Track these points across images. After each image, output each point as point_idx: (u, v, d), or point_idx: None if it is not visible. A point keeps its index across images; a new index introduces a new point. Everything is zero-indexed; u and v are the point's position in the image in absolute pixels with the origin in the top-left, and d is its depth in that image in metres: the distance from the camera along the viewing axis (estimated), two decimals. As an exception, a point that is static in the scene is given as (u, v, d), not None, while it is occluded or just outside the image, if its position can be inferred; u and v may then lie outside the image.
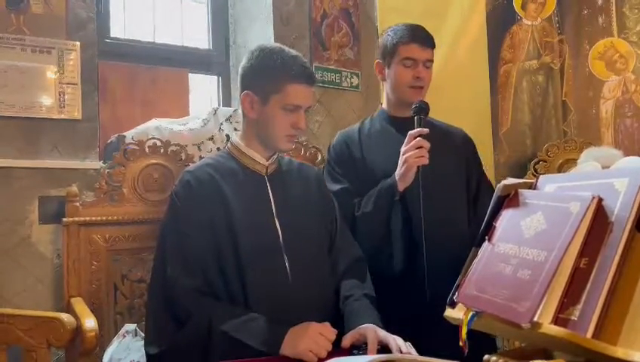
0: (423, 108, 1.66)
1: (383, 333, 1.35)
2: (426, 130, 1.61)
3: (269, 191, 1.53)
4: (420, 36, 1.76)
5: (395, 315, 1.49)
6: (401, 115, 1.79)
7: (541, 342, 0.86)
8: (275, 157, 1.59)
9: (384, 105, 1.89)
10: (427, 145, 1.60)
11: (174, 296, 1.38)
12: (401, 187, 1.63)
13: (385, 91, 1.87)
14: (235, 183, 1.50)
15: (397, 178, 1.64)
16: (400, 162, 1.63)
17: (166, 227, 1.48)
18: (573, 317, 0.77)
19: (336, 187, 1.77)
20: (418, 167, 1.59)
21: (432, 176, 1.61)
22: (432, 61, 1.78)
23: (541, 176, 1.03)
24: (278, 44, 1.57)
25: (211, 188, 1.47)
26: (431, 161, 1.61)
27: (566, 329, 0.76)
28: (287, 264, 1.46)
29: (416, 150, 1.59)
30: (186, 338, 1.34)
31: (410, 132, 1.63)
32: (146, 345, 1.41)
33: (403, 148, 1.63)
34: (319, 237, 1.58)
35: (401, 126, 1.72)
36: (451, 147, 1.83)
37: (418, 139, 1.60)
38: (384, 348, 1.33)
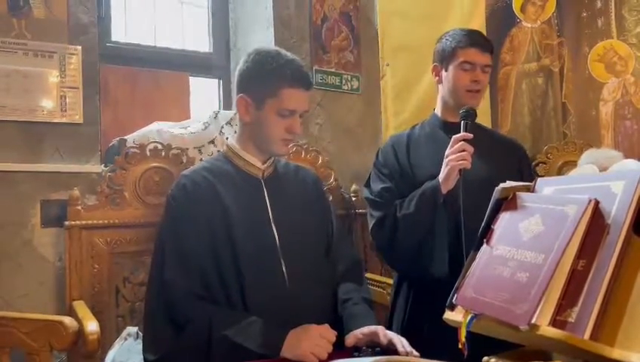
0: (470, 114, 1.68)
1: (390, 333, 1.37)
2: (470, 135, 1.63)
3: (266, 194, 1.52)
4: (479, 41, 1.78)
5: (434, 318, 1.50)
6: (453, 120, 1.79)
7: (539, 343, 0.87)
8: (272, 160, 1.58)
9: (437, 110, 1.90)
10: (470, 149, 1.61)
11: (172, 300, 1.38)
12: (444, 190, 1.64)
13: (440, 95, 1.87)
14: (232, 186, 1.50)
15: (440, 181, 1.65)
16: (443, 165, 1.65)
17: (163, 231, 1.47)
18: (570, 319, 0.78)
19: (379, 186, 1.78)
20: (460, 170, 1.60)
21: (475, 181, 1.61)
22: (489, 66, 1.80)
23: (539, 178, 1.04)
24: (275, 47, 1.56)
25: (208, 191, 1.47)
26: (475, 165, 1.62)
27: (564, 331, 0.77)
28: (284, 268, 1.46)
29: (459, 153, 1.60)
30: (186, 343, 1.34)
31: (454, 136, 1.65)
32: (144, 351, 1.40)
33: (447, 152, 1.65)
34: (316, 241, 1.58)
35: (451, 130, 1.72)
36: (499, 154, 1.84)
37: (461, 143, 1.62)
38: (389, 349, 1.34)
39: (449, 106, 1.83)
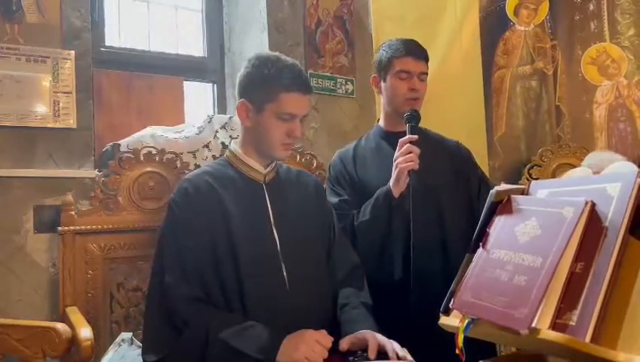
0: (414, 117, 1.71)
1: (382, 338, 1.36)
2: (415, 137, 1.65)
3: (267, 199, 1.52)
4: (414, 50, 1.80)
5: (392, 320, 1.50)
6: (396, 130, 1.81)
7: (539, 347, 0.86)
8: (274, 165, 1.58)
9: (380, 122, 1.91)
10: (417, 150, 1.63)
11: (172, 304, 1.37)
12: (395, 193, 1.66)
13: (382, 106, 1.89)
14: (234, 191, 1.49)
15: (391, 184, 1.67)
16: (393, 169, 1.66)
17: (164, 235, 1.47)
18: (571, 322, 0.77)
19: (335, 199, 1.80)
20: (409, 172, 1.62)
21: (423, 184, 1.64)
22: (426, 74, 1.82)
23: (533, 181, 1.04)
24: (275, 53, 1.56)
25: (210, 196, 1.47)
26: (422, 169, 1.63)
27: (565, 335, 0.76)
28: (284, 272, 1.45)
29: (407, 155, 1.62)
30: (184, 346, 1.33)
31: (400, 139, 1.67)
32: (143, 354, 1.39)
33: (395, 155, 1.67)
34: (317, 246, 1.58)
35: (394, 141, 1.73)
36: (445, 157, 1.86)
37: (408, 145, 1.64)
38: (382, 354, 1.33)
39: (390, 116, 1.85)
